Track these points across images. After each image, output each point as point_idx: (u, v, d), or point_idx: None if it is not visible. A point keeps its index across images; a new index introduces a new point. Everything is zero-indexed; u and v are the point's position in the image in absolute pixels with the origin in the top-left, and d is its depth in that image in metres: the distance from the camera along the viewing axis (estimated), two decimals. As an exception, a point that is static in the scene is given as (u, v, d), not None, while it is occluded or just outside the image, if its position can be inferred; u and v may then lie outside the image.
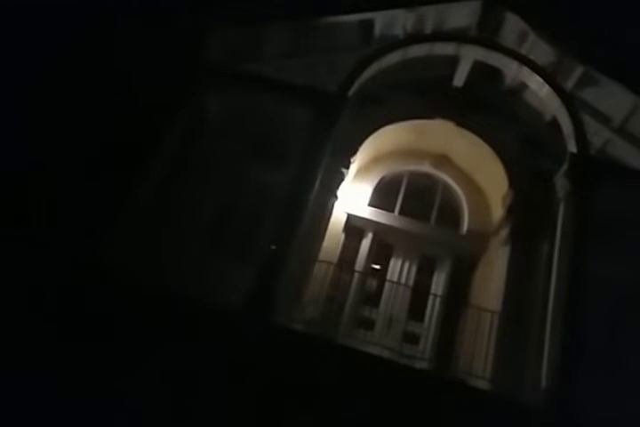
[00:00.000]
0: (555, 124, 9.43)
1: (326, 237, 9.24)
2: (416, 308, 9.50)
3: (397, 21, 9.46)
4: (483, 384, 7.66)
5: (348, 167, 9.35)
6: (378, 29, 9.43)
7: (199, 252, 8.61)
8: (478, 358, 8.12)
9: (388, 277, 9.89)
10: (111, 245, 7.65)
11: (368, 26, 9.40)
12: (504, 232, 9.42)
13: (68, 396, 6.21)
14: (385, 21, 9.42)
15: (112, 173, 8.20)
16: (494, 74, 9.88)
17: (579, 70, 9.23)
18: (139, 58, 9.14)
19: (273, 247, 7.89)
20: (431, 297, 9.61)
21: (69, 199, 7.94)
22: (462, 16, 9.60)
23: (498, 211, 9.96)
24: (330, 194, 9.15)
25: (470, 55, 9.56)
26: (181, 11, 9.79)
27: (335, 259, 9.49)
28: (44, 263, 6.99)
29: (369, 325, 9.28)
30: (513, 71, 9.61)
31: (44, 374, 6.30)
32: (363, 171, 10.59)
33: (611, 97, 9.14)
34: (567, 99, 9.19)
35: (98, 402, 6.26)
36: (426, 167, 10.87)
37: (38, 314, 6.73)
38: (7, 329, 6.48)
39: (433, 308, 9.45)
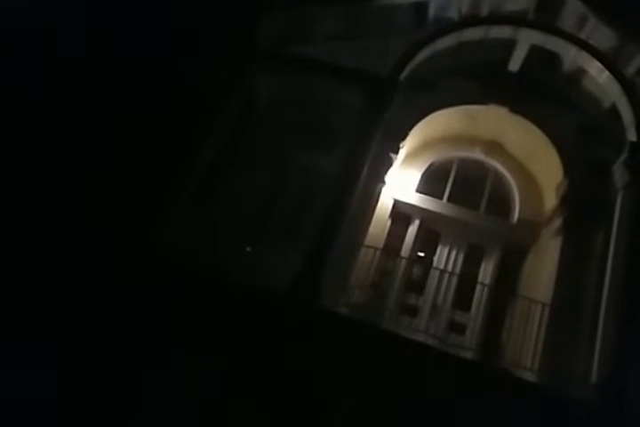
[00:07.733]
0: (614, 111, 9.04)
1: (372, 223, 9.18)
2: (462, 297, 9.44)
3: (452, 4, 9.20)
4: (530, 376, 7.54)
5: (396, 152, 9.23)
6: (432, 12, 9.20)
7: (247, 235, 8.73)
8: (526, 350, 7.99)
9: (435, 264, 9.82)
10: (163, 229, 7.80)
11: (422, 8, 9.18)
12: (557, 222, 9.19)
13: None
14: (439, 4, 9.17)
15: (164, 156, 8.33)
16: (552, 59, 9.49)
17: (640, 56, 8.83)
18: (190, 41, 9.19)
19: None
20: (478, 286, 9.50)
21: (122, 182, 8.11)
22: (520, -2, 9.27)
23: (551, 200, 9.70)
24: (378, 179, 9.07)
25: (527, 39, 9.24)
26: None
27: (381, 244, 9.45)
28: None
29: (414, 312, 9.25)
30: (571, 56, 9.23)
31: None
32: (411, 156, 10.46)
33: (674, 84, 8.73)
34: (628, 86, 8.80)
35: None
36: (477, 154, 10.67)
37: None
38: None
39: (480, 297, 9.34)
